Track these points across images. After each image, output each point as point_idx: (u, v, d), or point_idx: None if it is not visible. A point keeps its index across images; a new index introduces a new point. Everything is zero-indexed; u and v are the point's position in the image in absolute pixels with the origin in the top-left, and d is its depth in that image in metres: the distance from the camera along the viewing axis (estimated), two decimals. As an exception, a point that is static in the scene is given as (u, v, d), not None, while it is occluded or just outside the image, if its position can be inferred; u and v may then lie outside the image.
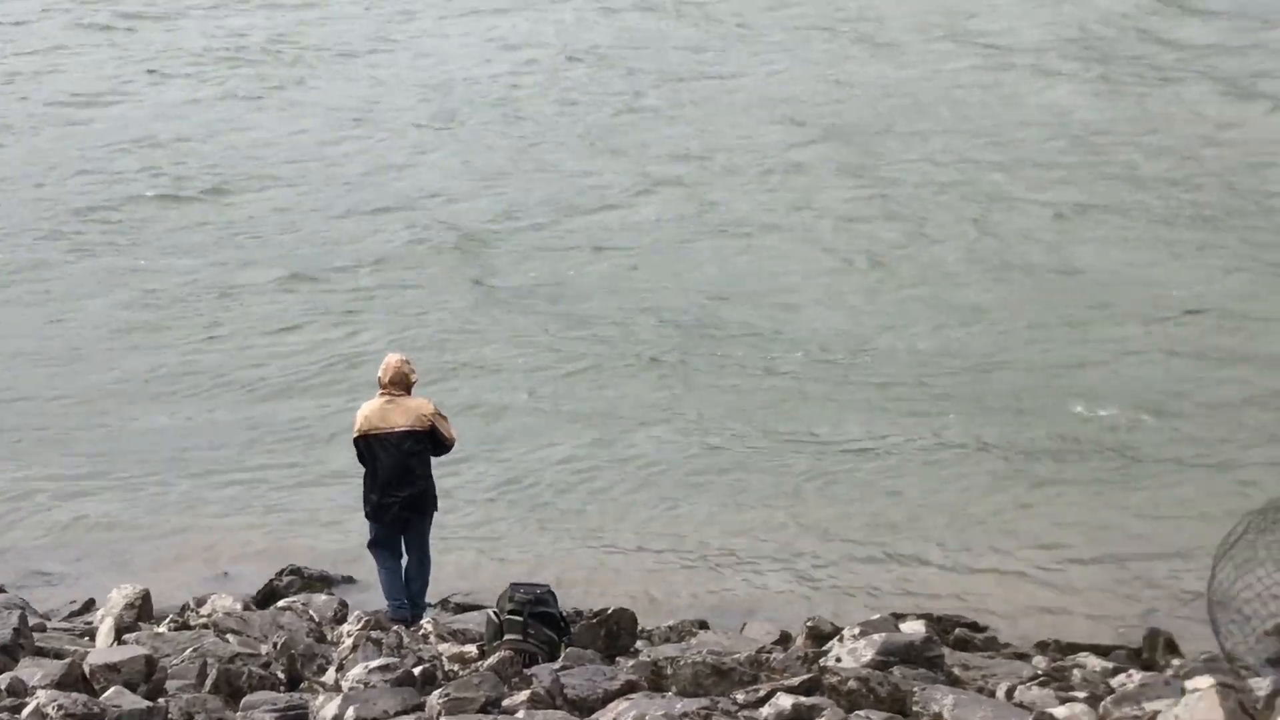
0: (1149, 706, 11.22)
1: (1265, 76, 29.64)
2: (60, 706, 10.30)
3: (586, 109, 30.81)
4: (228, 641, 12.89)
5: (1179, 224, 23.94)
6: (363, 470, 14.81)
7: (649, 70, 32.56)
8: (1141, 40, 31.99)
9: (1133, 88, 29.56)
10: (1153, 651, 13.73)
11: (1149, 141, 27.12)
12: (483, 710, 10.72)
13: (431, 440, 14.73)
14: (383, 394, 14.68)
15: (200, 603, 14.67)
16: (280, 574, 15.82)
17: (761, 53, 33.07)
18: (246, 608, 14.50)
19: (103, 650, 12.45)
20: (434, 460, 14.87)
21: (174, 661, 12.20)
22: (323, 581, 15.84)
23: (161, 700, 10.95)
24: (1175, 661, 13.37)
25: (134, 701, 10.64)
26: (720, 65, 32.74)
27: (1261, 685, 11.80)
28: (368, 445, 14.64)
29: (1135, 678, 12.28)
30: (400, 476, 14.55)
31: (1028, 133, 28.00)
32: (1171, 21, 32.77)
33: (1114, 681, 12.35)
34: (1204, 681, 11.42)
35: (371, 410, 14.67)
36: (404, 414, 14.58)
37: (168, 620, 14.18)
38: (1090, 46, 31.76)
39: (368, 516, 14.84)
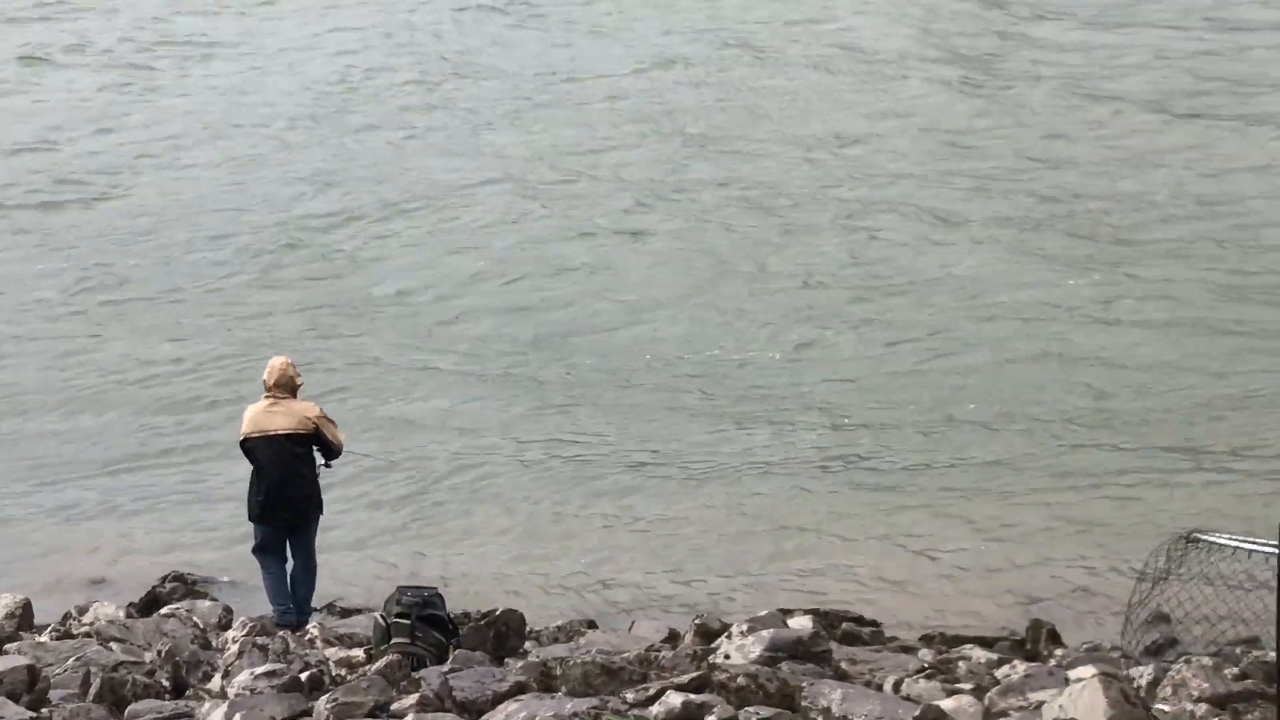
0: (1034, 697, 11.36)
1: (1113, 78, 30.03)
2: (-60, 718, 10.16)
3: (451, 112, 30.64)
4: (111, 650, 12.74)
5: (1039, 229, 24.09)
6: (247, 473, 14.71)
7: (512, 73, 32.41)
8: (1003, 42, 32.19)
9: (995, 91, 29.73)
10: (1036, 642, 13.89)
11: (1010, 146, 27.27)
12: (371, 715, 10.66)
13: (318, 444, 14.66)
14: (267, 397, 14.61)
15: (82, 611, 14.50)
16: (163, 580, 15.67)
17: (629, 57, 33.01)
18: (130, 615, 14.36)
19: (-17, 661, 12.27)
20: (325, 465, 14.80)
21: (57, 671, 12.03)
22: (206, 587, 15.70)
23: (45, 710, 10.82)
24: (1058, 652, 13.54)
25: (17, 712, 10.50)
26: (584, 68, 32.66)
27: (1142, 673, 12.00)
28: (253, 448, 14.54)
29: (1019, 668, 12.43)
30: (285, 479, 14.46)
31: (891, 138, 28.06)
32: (1029, 24, 33.00)
33: (999, 673, 12.50)
34: (1087, 671, 11.62)
35: (256, 413, 14.58)
36: (288, 417, 14.50)
37: (49, 629, 14.01)
38: (952, 50, 31.93)
39: (252, 520, 14.74)
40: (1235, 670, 12.32)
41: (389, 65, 33.22)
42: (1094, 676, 10.85)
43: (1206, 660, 12.65)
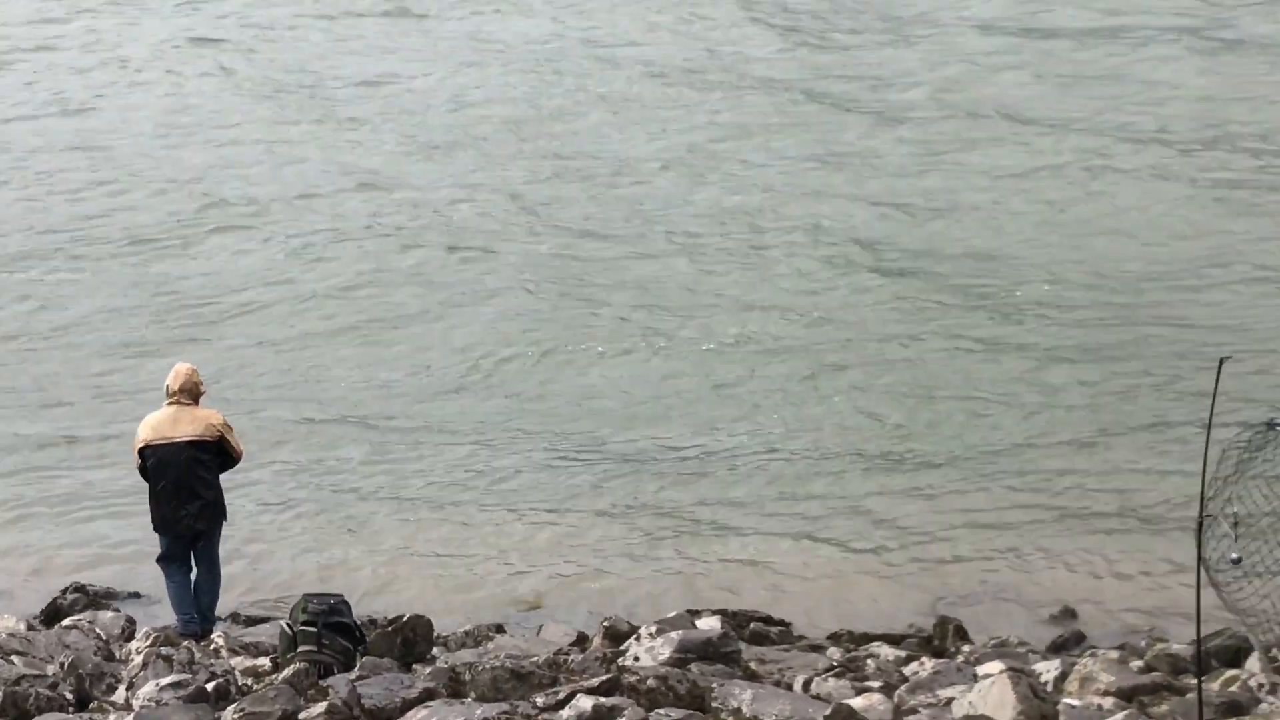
0: (943, 693, 11.45)
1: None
2: None
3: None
4: (12, 663, 12.54)
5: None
6: (147, 483, 14.54)
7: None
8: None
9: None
10: (943, 639, 13.99)
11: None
12: (279, 724, 10.59)
13: (219, 453, 14.55)
14: (171, 403, 14.47)
15: (-18, 624, 14.30)
16: (64, 592, 15.44)
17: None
18: (31, 628, 14.16)
19: (-120, 677, 12.06)
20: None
21: (-43, 685, 11.85)
22: (108, 598, 15.50)
23: (-55, 726, 10.66)
24: (965, 648, 13.64)
25: (-84, 729, 10.34)
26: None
27: (1048, 668, 12.12)
28: (154, 455, 14.37)
29: (928, 665, 12.53)
30: (188, 486, 14.33)
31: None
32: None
33: (907, 670, 12.59)
34: (994, 667, 11.74)
35: (159, 419, 14.43)
36: (192, 423, 14.39)
37: (-52, 643, 13.78)
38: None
39: (156, 529, 14.57)
40: (1141, 663, 12.48)
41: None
42: (1002, 672, 10.97)
43: (1113, 654, 12.82)
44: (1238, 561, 8.90)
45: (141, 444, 14.46)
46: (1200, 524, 8.86)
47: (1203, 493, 8.96)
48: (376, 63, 32.53)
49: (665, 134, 28.12)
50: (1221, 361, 8.84)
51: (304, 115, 29.99)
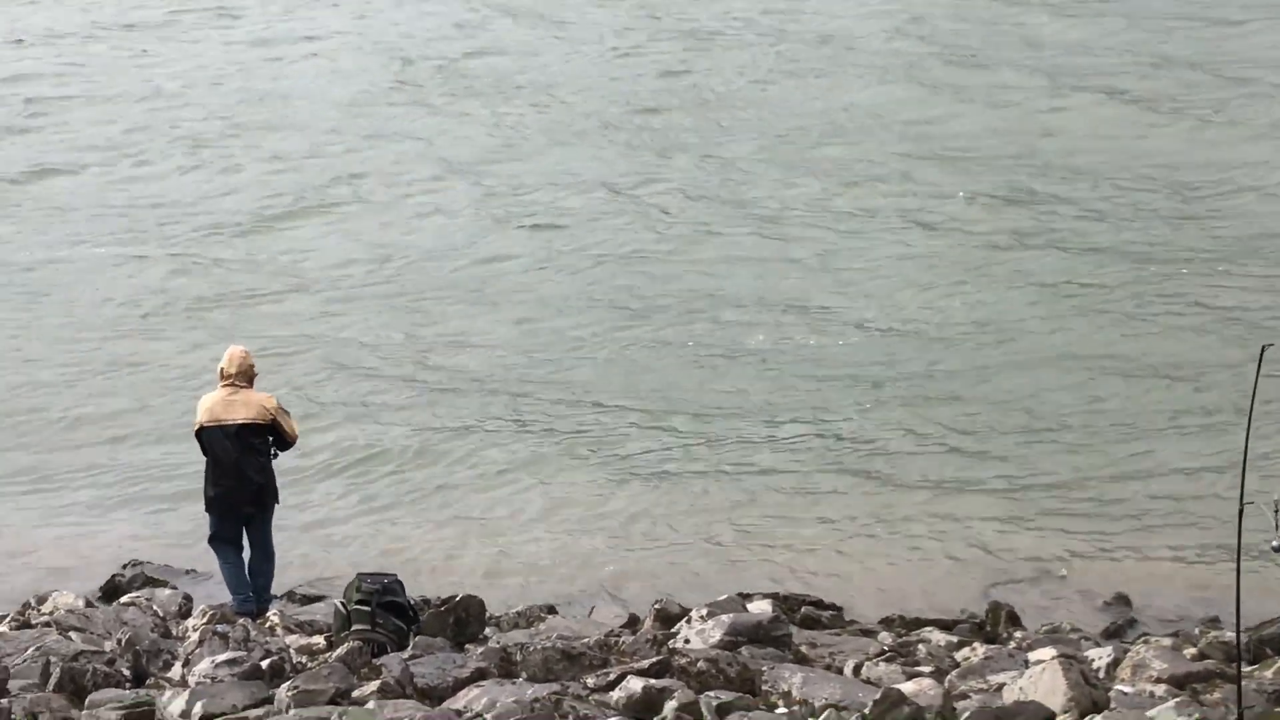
0: (994, 679, 11.44)
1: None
2: (-102, 709, 10.11)
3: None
4: (71, 639, 12.69)
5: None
6: (204, 463, 14.67)
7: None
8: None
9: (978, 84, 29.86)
10: (995, 625, 13.95)
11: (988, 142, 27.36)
12: (332, 701, 10.68)
13: (274, 435, 14.64)
14: (225, 386, 14.56)
15: (41, 600, 14.44)
16: (123, 569, 15.58)
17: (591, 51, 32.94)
18: (89, 604, 14.29)
19: (-59, 652, 12.22)
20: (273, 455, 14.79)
21: (16, 661, 11.99)
22: (166, 576, 15.61)
23: (4, 701, 10.78)
24: (1017, 634, 13.60)
25: (-25, 703, 10.47)
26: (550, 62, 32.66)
27: (1101, 655, 12.08)
28: (208, 437, 14.49)
29: (979, 651, 12.51)
30: (240, 469, 14.43)
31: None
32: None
33: (958, 655, 12.58)
34: (1046, 653, 11.71)
35: (213, 401, 14.54)
36: (246, 406, 14.47)
37: (8, 619, 13.95)
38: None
39: (208, 509, 14.68)
40: (1194, 650, 12.42)
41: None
42: (1053, 658, 10.94)
43: (1166, 641, 12.76)
44: (1279, 550, 8.86)
45: (197, 426, 14.58)
46: (1240, 511, 8.82)
47: (1243, 480, 8.91)
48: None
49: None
50: (1264, 349, 8.80)
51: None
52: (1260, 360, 8.80)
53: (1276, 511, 8.73)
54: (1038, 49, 30.81)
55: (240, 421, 14.44)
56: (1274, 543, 8.82)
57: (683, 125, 28.53)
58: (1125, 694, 10.95)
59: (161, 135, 29.44)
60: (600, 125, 28.68)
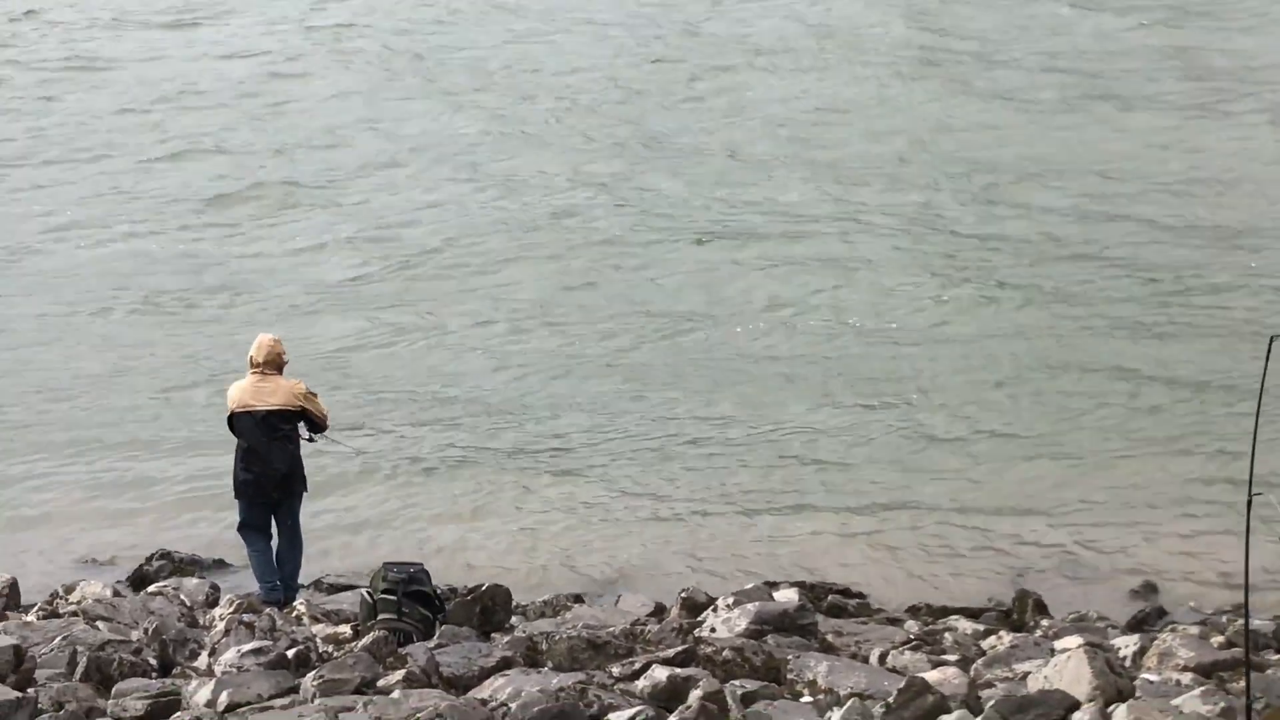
0: (1019, 668, 11.41)
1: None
2: (-74, 699, 10.14)
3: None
4: (98, 629, 12.74)
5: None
6: (232, 452, 14.71)
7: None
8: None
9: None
10: (1022, 613, 13.93)
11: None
12: (358, 691, 10.69)
13: (305, 420, 14.68)
14: (255, 372, 14.59)
15: (69, 590, 14.49)
16: (150, 559, 15.63)
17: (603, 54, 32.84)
18: (116, 594, 14.34)
19: (-32, 641, 12.25)
20: (309, 439, 14.82)
21: (43, 651, 12.04)
22: (193, 565, 15.66)
23: (31, 690, 10.80)
24: (1044, 622, 13.58)
25: (3, 692, 10.47)
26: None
27: (1127, 643, 12.04)
28: (241, 423, 14.53)
29: (1005, 639, 12.49)
30: (269, 456, 14.48)
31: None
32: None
33: (985, 644, 12.55)
34: (1073, 641, 11.65)
35: (243, 389, 14.57)
36: (275, 393, 14.52)
37: (36, 608, 13.99)
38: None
39: (238, 497, 14.74)
40: (1221, 639, 12.37)
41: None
42: (1079, 647, 10.89)
43: (1193, 629, 12.71)
44: None
45: (230, 412, 14.63)
46: (1249, 502, 8.78)
47: (1251, 469, 8.87)
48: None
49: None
50: (1272, 340, 8.76)
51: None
52: (1269, 351, 8.77)
53: None
54: (1048, 51, 30.71)
55: (269, 408, 14.48)
56: None
57: (688, 124, 28.46)
58: (1151, 682, 10.90)
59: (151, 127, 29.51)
60: (602, 122, 28.61)
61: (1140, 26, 30.75)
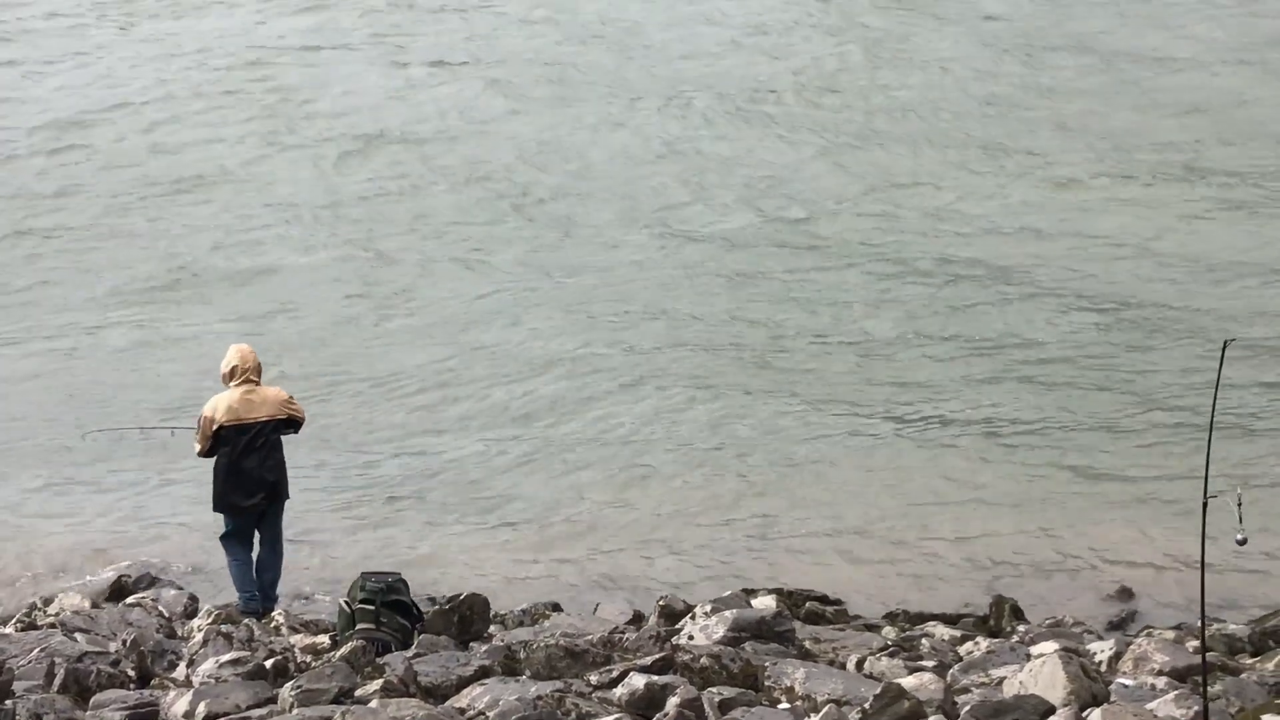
0: (995, 673, 11.47)
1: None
2: (-96, 712, 10.14)
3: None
4: (76, 640, 12.73)
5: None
6: (211, 463, 14.60)
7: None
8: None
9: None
10: (999, 619, 13.98)
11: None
12: (336, 701, 10.69)
13: (289, 426, 14.69)
14: (241, 384, 14.48)
15: (47, 601, 14.49)
16: (128, 569, 15.62)
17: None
18: (94, 605, 14.31)
19: (-53, 654, 12.26)
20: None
21: (21, 662, 12.03)
22: (171, 576, 15.65)
23: (9, 702, 10.79)
24: (1020, 628, 13.64)
25: (-20, 704, 10.50)
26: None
27: (1103, 648, 12.10)
28: (229, 435, 14.42)
29: (982, 645, 12.54)
30: (262, 466, 14.43)
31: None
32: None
33: (962, 650, 12.60)
34: (1048, 647, 11.71)
35: (235, 401, 14.42)
36: (265, 404, 14.48)
37: (14, 620, 13.99)
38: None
39: (223, 509, 14.60)
40: (1196, 643, 12.42)
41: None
42: (1055, 652, 10.95)
43: (1168, 634, 12.78)
44: (1243, 543, 8.90)
45: (218, 425, 14.42)
46: (1205, 505, 8.85)
47: (1206, 473, 8.94)
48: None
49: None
50: (1226, 344, 8.84)
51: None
52: (1222, 355, 8.85)
53: (1239, 505, 8.77)
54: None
55: (263, 419, 14.46)
56: (1238, 536, 8.86)
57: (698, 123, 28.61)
58: (1126, 687, 10.97)
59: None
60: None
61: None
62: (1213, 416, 8.90)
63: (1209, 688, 11.03)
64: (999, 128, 27.24)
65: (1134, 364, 19.24)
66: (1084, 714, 9.97)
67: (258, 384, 14.58)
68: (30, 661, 12.05)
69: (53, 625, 13.47)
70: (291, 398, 14.78)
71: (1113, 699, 10.47)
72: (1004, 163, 25.88)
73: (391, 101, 29.95)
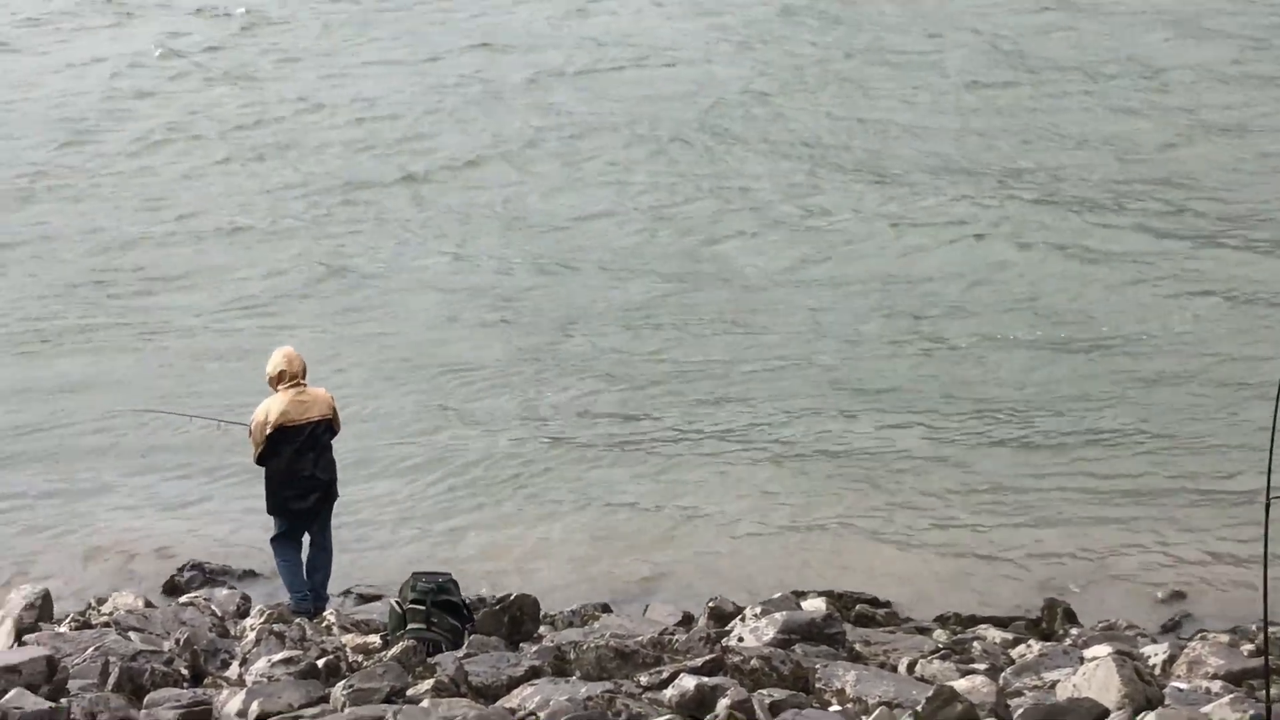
0: (1048, 676, 11.41)
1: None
2: (-41, 710, 10.19)
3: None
4: (130, 639, 12.77)
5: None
6: (265, 465, 14.63)
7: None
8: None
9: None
10: (1051, 622, 13.92)
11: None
12: (387, 700, 10.72)
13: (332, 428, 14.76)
14: (291, 386, 14.53)
15: (101, 601, 14.56)
16: (181, 569, 15.71)
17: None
18: (148, 604, 14.39)
19: (2, 652, 12.34)
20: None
21: (76, 661, 12.07)
22: (224, 575, 15.73)
23: (64, 701, 10.82)
24: (1073, 631, 13.57)
25: (36, 703, 10.50)
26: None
27: (1156, 651, 12.02)
28: (283, 438, 14.46)
29: (1035, 648, 12.48)
30: (316, 467, 14.49)
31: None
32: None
33: (1014, 652, 12.54)
34: (1102, 650, 11.66)
35: (287, 403, 14.45)
36: (317, 404, 14.54)
37: (68, 619, 14.06)
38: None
39: (277, 511, 14.64)
40: (1251, 647, 12.35)
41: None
42: (1108, 655, 10.89)
43: (1222, 637, 12.69)
44: None
45: (272, 428, 14.44)
46: (1268, 505, 8.74)
47: (1269, 473, 8.83)
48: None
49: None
50: None
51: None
52: None
53: None
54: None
55: (314, 420, 14.51)
56: None
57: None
58: (1180, 690, 10.90)
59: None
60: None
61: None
62: (1276, 415, 8.81)
63: (1263, 692, 10.97)
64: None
65: (1190, 365, 19.12)
66: (1138, 717, 9.91)
67: (305, 385, 14.63)
68: (85, 660, 12.09)
69: (107, 624, 13.52)
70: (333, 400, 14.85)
71: (1167, 702, 10.41)
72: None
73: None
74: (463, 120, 29.60)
